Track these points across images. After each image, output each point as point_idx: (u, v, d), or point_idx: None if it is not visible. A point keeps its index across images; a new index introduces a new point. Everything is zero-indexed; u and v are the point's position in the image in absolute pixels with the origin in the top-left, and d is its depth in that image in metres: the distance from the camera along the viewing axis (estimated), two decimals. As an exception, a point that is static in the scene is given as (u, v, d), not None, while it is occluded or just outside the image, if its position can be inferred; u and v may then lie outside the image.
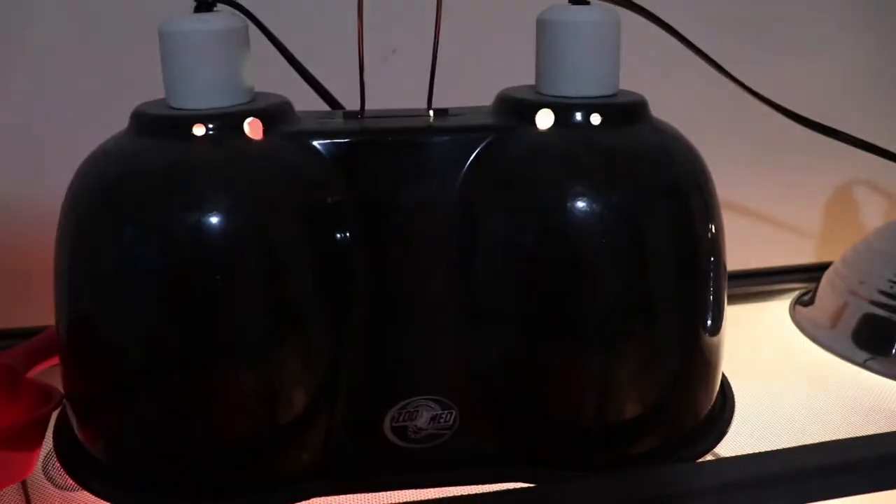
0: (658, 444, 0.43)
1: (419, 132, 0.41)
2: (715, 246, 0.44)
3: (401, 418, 0.41)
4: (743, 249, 0.71)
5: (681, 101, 0.67)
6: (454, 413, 0.41)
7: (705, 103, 0.66)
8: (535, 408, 0.42)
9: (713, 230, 0.44)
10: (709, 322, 0.44)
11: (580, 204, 0.39)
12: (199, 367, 0.38)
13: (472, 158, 0.40)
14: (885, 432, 0.47)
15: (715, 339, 0.45)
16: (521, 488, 0.41)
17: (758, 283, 0.66)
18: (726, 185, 0.71)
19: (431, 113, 0.44)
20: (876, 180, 0.74)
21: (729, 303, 0.64)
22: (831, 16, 0.71)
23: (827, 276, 0.62)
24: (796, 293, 0.65)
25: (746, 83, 0.57)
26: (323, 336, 0.40)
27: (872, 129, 0.64)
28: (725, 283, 0.46)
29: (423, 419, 0.41)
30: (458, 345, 0.41)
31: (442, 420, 0.41)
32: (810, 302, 0.62)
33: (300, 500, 0.40)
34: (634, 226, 0.40)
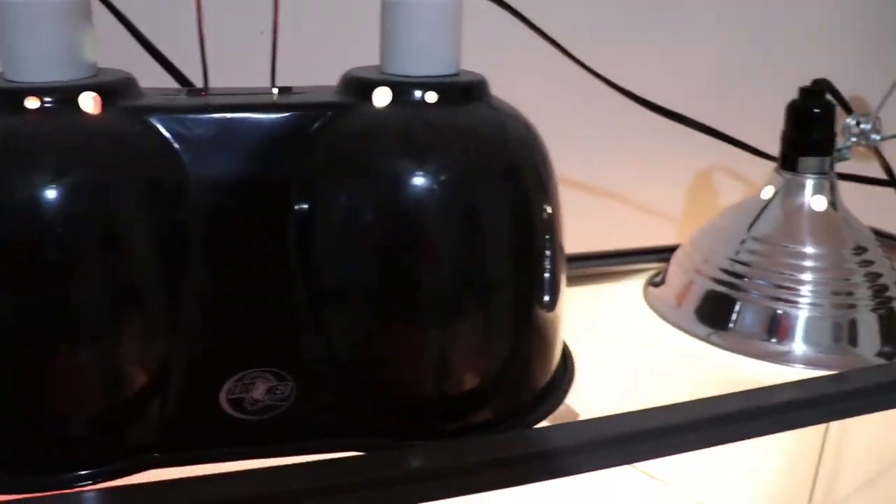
0: (496, 413, 0.45)
1: (258, 108, 0.41)
2: (551, 225, 0.46)
3: (237, 390, 0.41)
4: (606, 231, 0.74)
5: (542, 88, 0.70)
6: (290, 385, 0.42)
7: (569, 91, 0.69)
8: (372, 380, 0.43)
9: (549, 210, 0.45)
10: (545, 298, 0.46)
11: (411, 180, 0.40)
12: (33, 342, 0.38)
13: (308, 135, 0.41)
14: (713, 395, 0.49)
15: (552, 314, 0.47)
16: (350, 456, 0.42)
17: (618, 264, 0.68)
18: (591, 170, 0.75)
19: (275, 91, 0.44)
20: (734, 167, 0.78)
21: (588, 282, 0.67)
22: (695, 14, 0.74)
23: (675, 257, 0.65)
24: (650, 274, 0.68)
25: (620, 77, 0.59)
26: (159, 312, 0.40)
27: (729, 120, 0.68)
28: (563, 261, 0.48)
29: (259, 391, 0.42)
30: (295, 319, 0.42)
31: (278, 392, 0.42)
32: (661, 282, 0.65)
33: (133, 473, 0.40)
34: (466, 201, 0.41)
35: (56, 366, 0.39)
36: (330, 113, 0.42)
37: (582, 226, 0.74)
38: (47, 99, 0.39)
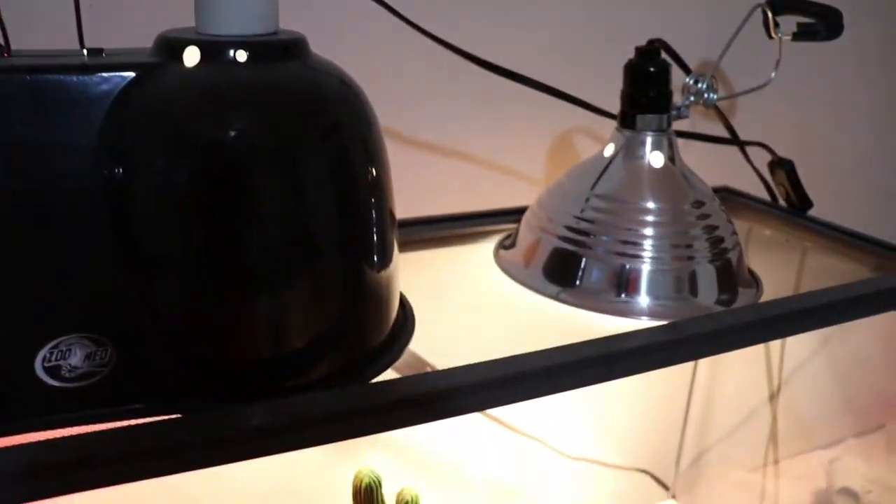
0: (330, 370, 0.46)
1: (62, 70, 0.40)
2: (375, 183, 0.46)
3: (53, 357, 0.41)
4: (466, 195, 0.76)
5: (399, 56, 0.70)
6: (110, 350, 0.41)
7: (431, 60, 0.69)
8: (196, 344, 0.43)
9: (372, 168, 0.46)
10: (375, 258, 0.47)
11: (218, 140, 0.40)
12: None
13: (116, 97, 0.41)
14: (555, 346, 0.51)
15: (383, 274, 0.47)
16: (174, 418, 0.41)
17: (472, 226, 0.69)
18: (454, 135, 0.76)
19: (85, 52, 0.43)
20: (592, 129, 0.79)
21: (442, 245, 0.67)
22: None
23: (524, 217, 0.66)
24: (501, 235, 0.69)
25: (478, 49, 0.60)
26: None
27: (580, 84, 0.70)
28: (391, 221, 0.48)
29: (77, 357, 0.41)
30: (112, 284, 0.41)
31: (98, 358, 0.41)
32: (512, 244, 0.67)
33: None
34: (275, 160, 0.41)
35: None
36: (138, 74, 0.41)
37: (440, 189, 0.76)
38: None
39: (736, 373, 1.04)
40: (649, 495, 1.05)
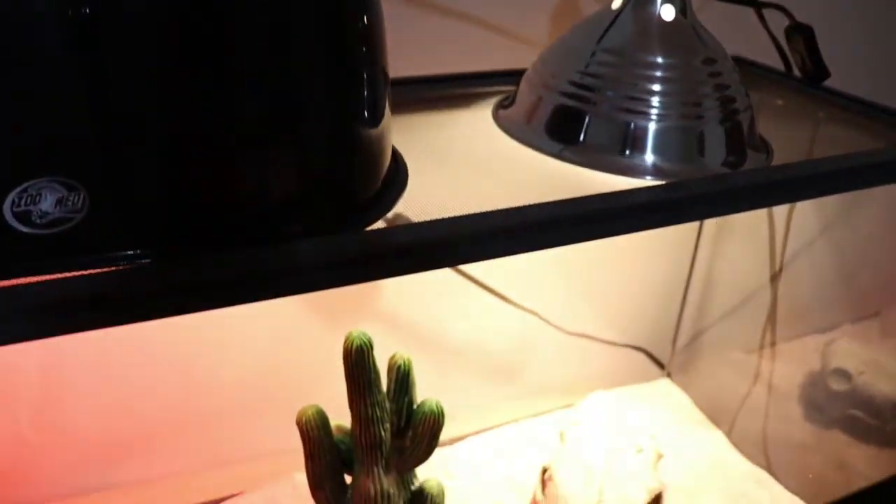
0: (317, 219, 0.44)
1: None
2: (369, 35, 0.43)
3: (23, 202, 0.38)
4: (468, 56, 0.72)
5: None
6: (82, 195, 0.39)
7: None
8: (176, 189, 0.40)
9: (367, 19, 0.42)
10: (364, 109, 0.44)
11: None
12: None
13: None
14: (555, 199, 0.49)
15: (373, 126, 0.45)
16: (149, 264, 0.39)
17: (471, 86, 0.66)
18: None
19: None
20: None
21: (442, 106, 0.64)
22: None
23: (525, 76, 0.63)
24: (500, 97, 0.66)
25: None
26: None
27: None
28: (384, 77, 0.45)
29: (47, 202, 0.38)
30: (85, 124, 0.38)
31: (70, 203, 0.39)
32: (511, 103, 0.63)
33: None
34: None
35: None
36: None
37: (437, 51, 0.72)
38: None
39: (737, 254, 1.03)
40: (645, 373, 1.05)
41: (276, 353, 0.81)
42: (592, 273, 0.93)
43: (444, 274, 0.82)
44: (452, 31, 0.71)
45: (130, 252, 0.40)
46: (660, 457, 0.84)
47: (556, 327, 0.92)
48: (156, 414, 0.79)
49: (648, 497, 0.77)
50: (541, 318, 0.90)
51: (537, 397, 0.96)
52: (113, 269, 0.39)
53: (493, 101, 0.65)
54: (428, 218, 0.45)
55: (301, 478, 0.82)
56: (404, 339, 0.84)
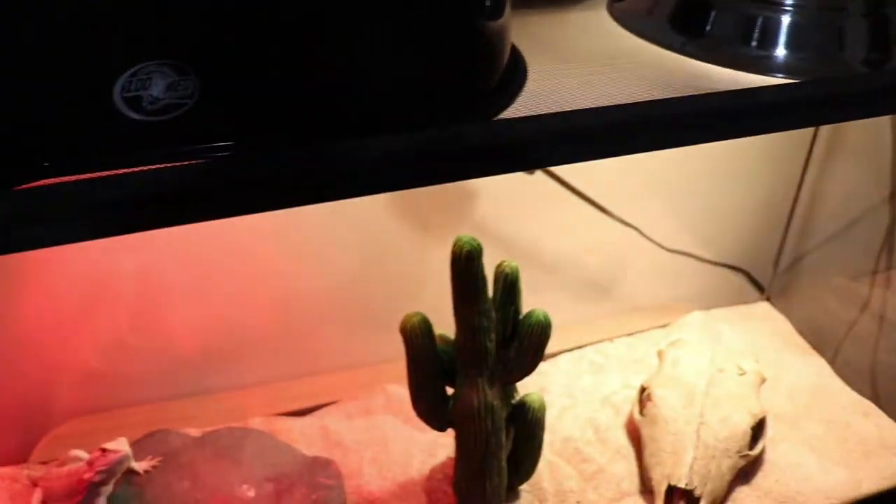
0: (437, 109, 0.41)
1: None
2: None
3: (132, 87, 0.36)
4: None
5: None
6: (193, 80, 0.37)
7: None
8: (288, 77, 0.38)
9: None
10: (486, 3, 0.41)
11: None
12: None
13: None
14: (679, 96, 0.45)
15: (499, 19, 0.41)
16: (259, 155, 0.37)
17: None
18: None
19: None
20: None
21: (550, 8, 0.60)
22: None
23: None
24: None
25: None
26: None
27: None
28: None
29: (158, 87, 0.37)
30: (196, 5, 0.36)
31: (180, 88, 0.37)
32: (627, -7, 0.59)
33: (23, 184, 0.36)
34: None
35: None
36: None
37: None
38: None
39: (849, 174, 0.96)
40: (743, 295, 1.01)
41: (370, 264, 0.80)
42: (695, 188, 0.89)
43: (543, 184, 0.79)
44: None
45: (238, 143, 0.38)
46: (763, 380, 0.80)
47: (656, 243, 0.88)
48: (250, 322, 0.79)
49: (752, 421, 0.74)
50: (641, 233, 0.86)
51: (632, 315, 0.93)
52: (218, 157, 0.38)
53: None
54: (549, 111, 0.42)
55: (394, 389, 0.83)
56: (497, 251, 0.82)
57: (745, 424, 0.74)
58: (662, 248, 0.89)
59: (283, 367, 0.83)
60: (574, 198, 0.82)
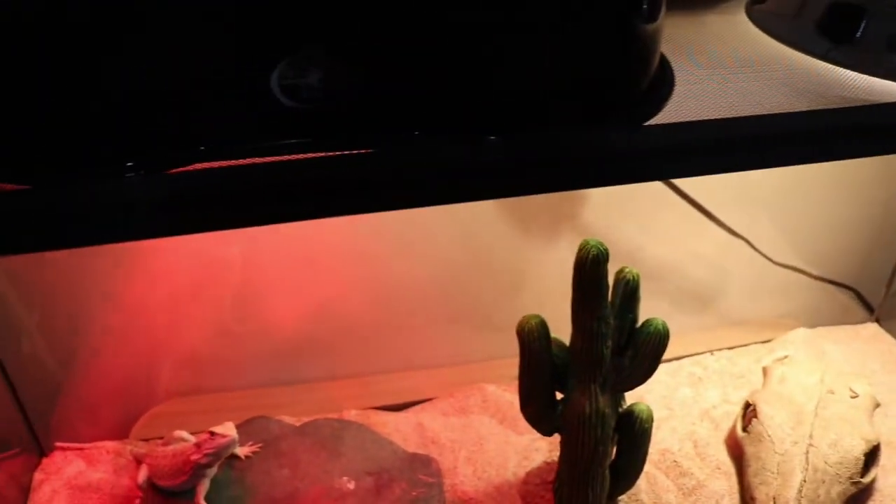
0: (587, 112, 0.40)
1: None
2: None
3: (290, 75, 0.36)
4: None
5: None
6: (352, 72, 0.37)
7: None
8: (448, 74, 0.37)
9: None
10: (644, 6, 0.40)
11: None
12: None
13: None
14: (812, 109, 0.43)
15: (650, 26, 0.40)
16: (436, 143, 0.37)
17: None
18: None
19: None
20: None
21: (687, 10, 0.58)
22: None
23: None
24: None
25: None
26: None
27: None
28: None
29: (315, 77, 0.37)
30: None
31: (337, 79, 0.37)
32: (767, -2, 0.57)
33: (180, 167, 0.36)
34: None
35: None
36: None
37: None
38: None
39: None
40: (851, 315, 0.97)
41: (471, 263, 0.79)
42: (807, 200, 0.85)
43: (649, 187, 0.77)
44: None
45: (394, 136, 0.38)
46: (877, 405, 0.77)
47: (765, 256, 0.85)
48: (349, 315, 0.80)
49: (866, 447, 0.71)
50: (750, 244, 0.83)
51: (732, 328, 0.90)
52: (365, 152, 0.37)
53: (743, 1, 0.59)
54: (698, 118, 0.40)
55: (491, 389, 0.82)
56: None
57: (857, 450, 0.70)
58: (771, 261, 0.86)
59: (377, 362, 0.83)
60: (680, 203, 0.80)
